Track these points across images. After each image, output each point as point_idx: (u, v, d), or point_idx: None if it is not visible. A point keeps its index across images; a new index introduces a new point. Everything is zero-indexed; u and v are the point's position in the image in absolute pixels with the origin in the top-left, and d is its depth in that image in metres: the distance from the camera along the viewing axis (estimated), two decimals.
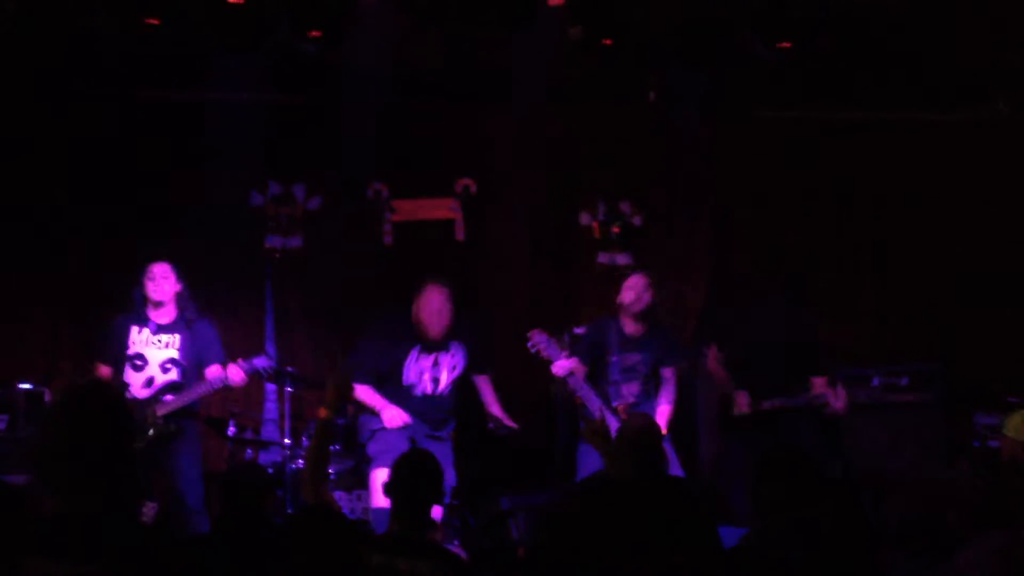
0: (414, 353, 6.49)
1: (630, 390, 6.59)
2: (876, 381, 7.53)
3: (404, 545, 3.74)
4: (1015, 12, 6.43)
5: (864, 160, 8.34)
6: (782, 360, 6.65)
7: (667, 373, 6.75)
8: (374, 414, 6.46)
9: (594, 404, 6.31)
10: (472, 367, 6.68)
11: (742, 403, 6.63)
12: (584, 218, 8.20)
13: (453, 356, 6.58)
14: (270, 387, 7.47)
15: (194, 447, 6.51)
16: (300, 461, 6.72)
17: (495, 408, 6.67)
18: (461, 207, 8.03)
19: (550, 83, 7.33)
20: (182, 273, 6.54)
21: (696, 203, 8.29)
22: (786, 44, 5.59)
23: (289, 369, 7.02)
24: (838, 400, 6.56)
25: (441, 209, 8.04)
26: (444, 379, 6.57)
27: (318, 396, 7.10)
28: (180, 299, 6.51)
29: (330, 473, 6.67)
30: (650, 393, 6.64)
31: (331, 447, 6.64)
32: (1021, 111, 7.86)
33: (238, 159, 7.60)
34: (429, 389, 6.52)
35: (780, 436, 6.54)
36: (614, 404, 6.45)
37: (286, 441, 6.89)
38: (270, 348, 7.50)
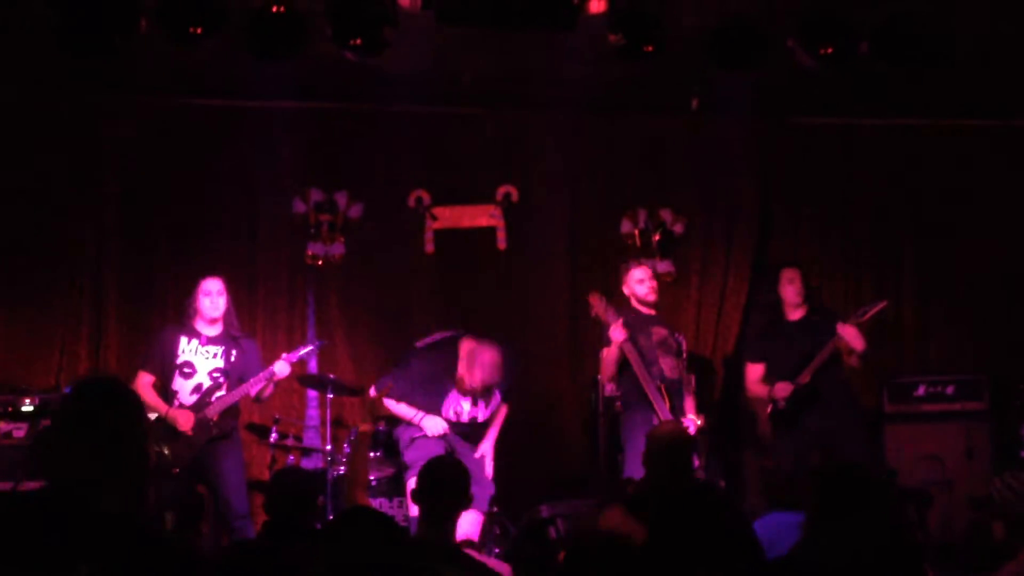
0: (453, 394, 6.56)
1: (667, 363, 6.62)
2: (921, 391, 7.46)
3: (428, 548, 3.75)
4: None
5: (904, 167, 8.29)
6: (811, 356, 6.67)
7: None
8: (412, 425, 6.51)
9: (645, 377, 6.45)
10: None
11: (781, 390, 6.63)
12: (625, 226, 8.18)
13: (492, 399, 6.68)
14: (311, 394, 7.51)
15: (237, 452, 6.56)
16: (341, 467, 6.76)
17: (488, 444, 6.74)
18: (502, 215, 8.03)
19: (592, 91, 7.32)
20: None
21: (736, 211, 8.27)
22: (828, 50, 5.54)
23: (330, 376, 7.06)
24: (858, 341, 6.58)
25: (482, 217, 8.04)
26: (482, 414, 6.68)
27: (359, 403, 7.21)
28: (227, 314, 6.56)
29: (371, 480, 6.71)
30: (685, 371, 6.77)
31: (371, 453, 6.69)
32: None
33: (280, 166, 7.69)
34: (465, 420, 6.62)
35: (827, 445, 6.52)
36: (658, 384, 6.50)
37: (327, 447, 6.93)
38: (311, 356, 7.52)
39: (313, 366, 7.49)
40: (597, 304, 6.58)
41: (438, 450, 6.19)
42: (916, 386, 7.47)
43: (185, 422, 6.26)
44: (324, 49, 5.49)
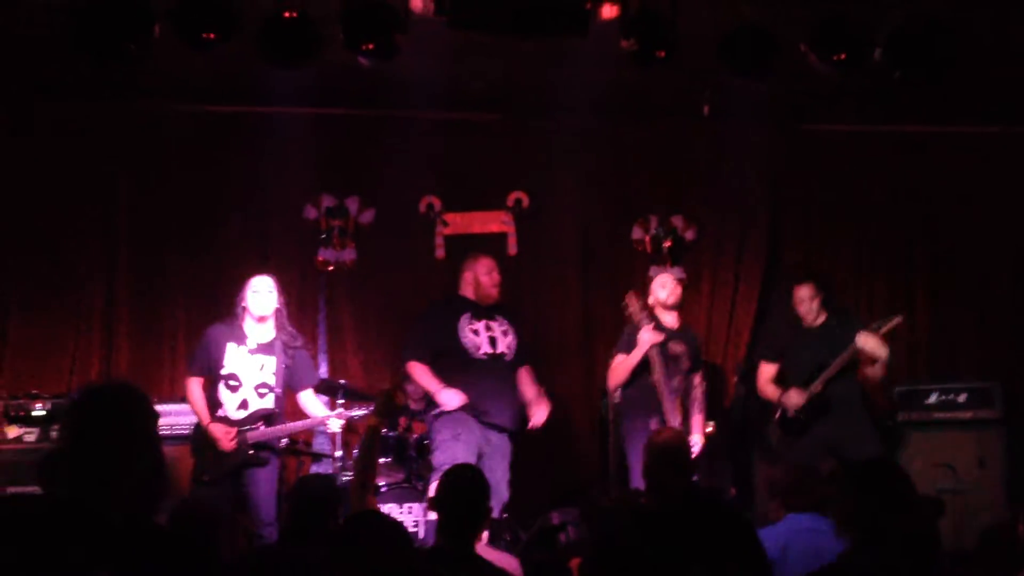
0: (465, 318, 6.50)
1: (678, 380, 6.60)
2: (934, 398, 7.44)
3: (448, 557, 3.74)
4: None
5: (918, 174, 8.29)
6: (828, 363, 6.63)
7: (696, 379, 6.79)
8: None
9: (665, 387, 6.40)
10: (519, 353, 6.64)
11: (794, 397, 6.60)
12: (636, 232, 8.17)
13: (501, 324, 6.60)
14: (321, 399, 7.50)
15: (272, 466, 6.38)
16: (351, 474, 6.74)
17: (530, 391, 6.58)
18: (513, 221, 8.04)
19: (603, 96, 7.32)
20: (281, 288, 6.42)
21: (748, 217, 8.26)
22: (842, 56, 5.52)
23: (341, 381, 7.06)
24: (881, 349, 6.52)
25: (493, 223, 8.05)
26: (501, 341, 6.55)
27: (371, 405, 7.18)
28: (279, 316, 6.35)
29: (380, 485, 6.69)
30: (687, 392, 6.74)
31: (380, 458, 6.67)
32: None
33: (291, 172, 7.69)
34: (489, 348, 6.48)
35: (838, 452, 6.49)
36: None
37: (337, 453, 6.92)
38: (322, 362, 7.54)
39: (324, 371, 7.49)
40: (633, 304, 6.54)
41: (467, 456, 6.08)
42: (928, 394, 7.44)
43: (225, 441, 6.09)
44: (336, 55, 5.48)
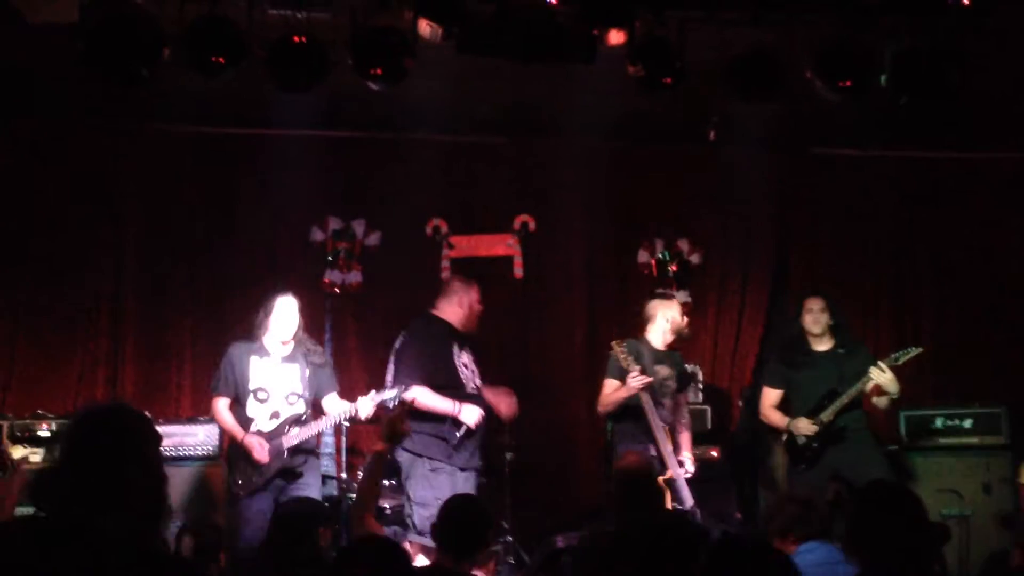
0: (455, 348, 6.36)
1: (667, 403, 6.53)
2: (940, 423, 7.42)
3: None
4: None
5: (924, 199, 8.30)
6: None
7: (681, 399, 6.77)
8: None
9: (656, 424, 6.28)
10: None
11: (803, 427, 6.57)
12: (642, 256, 8.19)
13: (471, 355, 6.48)
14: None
15: (316, 481, 6.29)
16: (355, 495, 6.74)
17: (488, 393, 6.39)
18: (519, 244, 8.05)
19: (611, 121, 7.36)
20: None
21: (754, 242, 8.27)
22: (847, 83, 5.54)
23: (346, 403, 7.04)
24: (894, 385, 6.48)
25: (499, 246, 8.07)
26: (476, 375, 6.44)
27: (375, 431, 7.17)
28: (298, 332, 6.28)
29: (385, 508, 6.69)
30: (674, 412, 6.66)
31: (385, 481, 6.65)
32: None
33: (299, 194, 7.72)
34: (473, 385, 6.36)
35: (845, 477, 6.47)
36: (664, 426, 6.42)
37: (342, 475, 6.91)
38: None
39: None
40: (620, 353, 6.39)
41: (452, 488, 5.85)
42: (934, 419, 7.42)
43: (260, 453, 5.99)
44: (344, 78, 5.52)
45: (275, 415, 6.13)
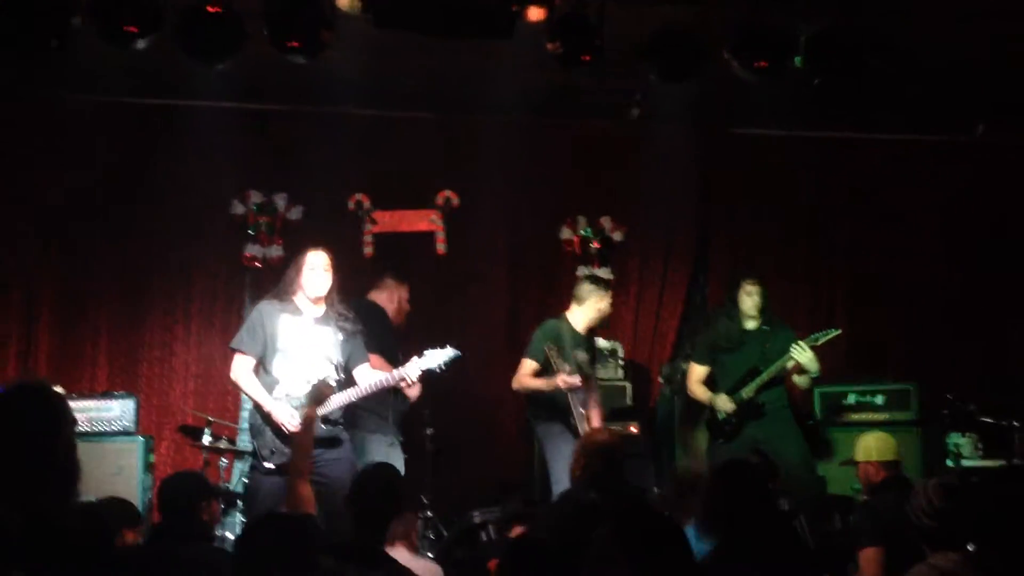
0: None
1: (584, 395, 6.59)
2: (852, 399, 7.57)
3: (357, 554, 3.76)
4: (994, 36, 6.47)
5: (842, 178, 8.42)
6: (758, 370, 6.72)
7: (593, 379, 6.80)
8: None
9: (576, 412, 6.35)
10: None
11: (722, 403, 6.68)
12: (565, 232, 8.22)
13: None
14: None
15: (347, 443, 5.79)
16: None
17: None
18: (442, 219, 8.03)
19: (533, 97, 7.35)
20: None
21: (676, 219, 8.34)
22: (762, 64, 5.60)
23: None
24: (815, 364, 6.59)
25: (422, 221, 8.04)
26: None
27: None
28: (331, 293, 5.80)
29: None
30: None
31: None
32: (997, 134, 7.92)
33: (219, 167, 7.62)
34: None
35: (763, 451, 6.59)
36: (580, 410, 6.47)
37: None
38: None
39: None
40: (551, 354, 6.39)
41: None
42: (847, 395, 7.58)
43: (292, 421, 5.48)
44: (263, 50, 5.45)
45: (305, 379, 5.60)
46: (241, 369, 5.69)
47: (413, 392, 6.12)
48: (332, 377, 5.62)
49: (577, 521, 3.88)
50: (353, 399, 5.67)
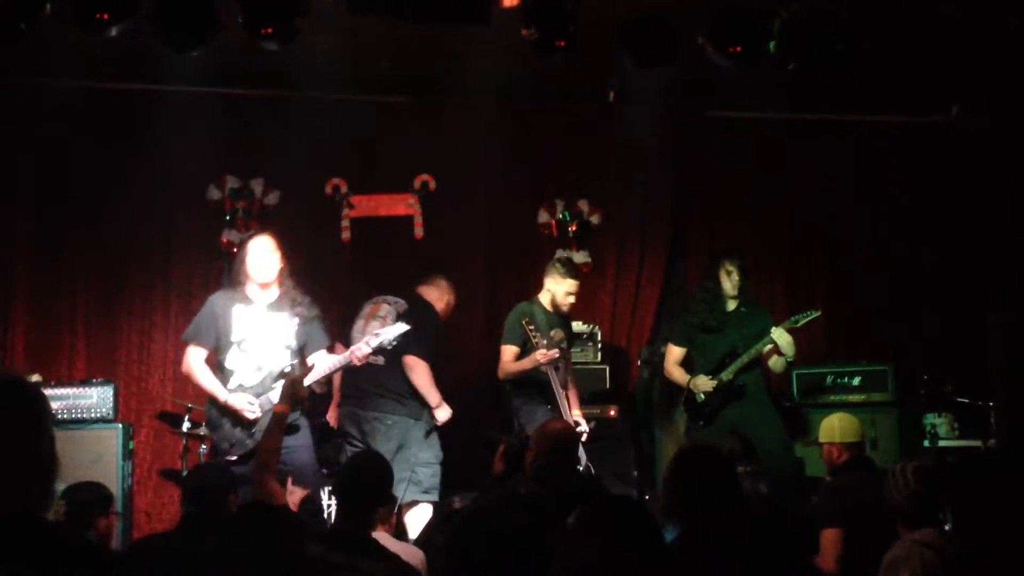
0: None
1: (562, 374, 6.65)
2: (829, 380, 7.62)
3: (344, 540, 3.78)
4: (968, 19, 6.49)
5: (819, 161, 8.44)
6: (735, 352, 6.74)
7: (568, 359, 6.91)
8: None
9: (558, 391, 6.43)
10: None
11: (702, 384, 6.72)
12: (542, 216, 8.23)
13: None
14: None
15: (306, 429, 5.82)
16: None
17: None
18: (419, 204, 8.03)
19: (510, 81, 7.34)
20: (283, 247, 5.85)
21: (652, 202, 8.36)
22: (737, 48, 5.61)
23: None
24: (791, 348, 6.65)
25: (399, 206, 8.03)
26: None
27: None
28: (283, 275, 5.81)
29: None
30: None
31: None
32: (973, 115, 7.95)
33: (195, 153, 7.58)
34: None
35: (747, 431, 6.64)
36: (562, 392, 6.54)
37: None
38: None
39: None
40: (529, 331, 6.50)
41: None
42: (824, 377, 7.63)
43: (250, 410, 5.53)
44: (239, 34, 5.42)
45: (259, 368, 5.66)
46: (194, 360, 5.71)
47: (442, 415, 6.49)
48: (294, 365, 5.64)
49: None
50: (316, 378, 5.68)
